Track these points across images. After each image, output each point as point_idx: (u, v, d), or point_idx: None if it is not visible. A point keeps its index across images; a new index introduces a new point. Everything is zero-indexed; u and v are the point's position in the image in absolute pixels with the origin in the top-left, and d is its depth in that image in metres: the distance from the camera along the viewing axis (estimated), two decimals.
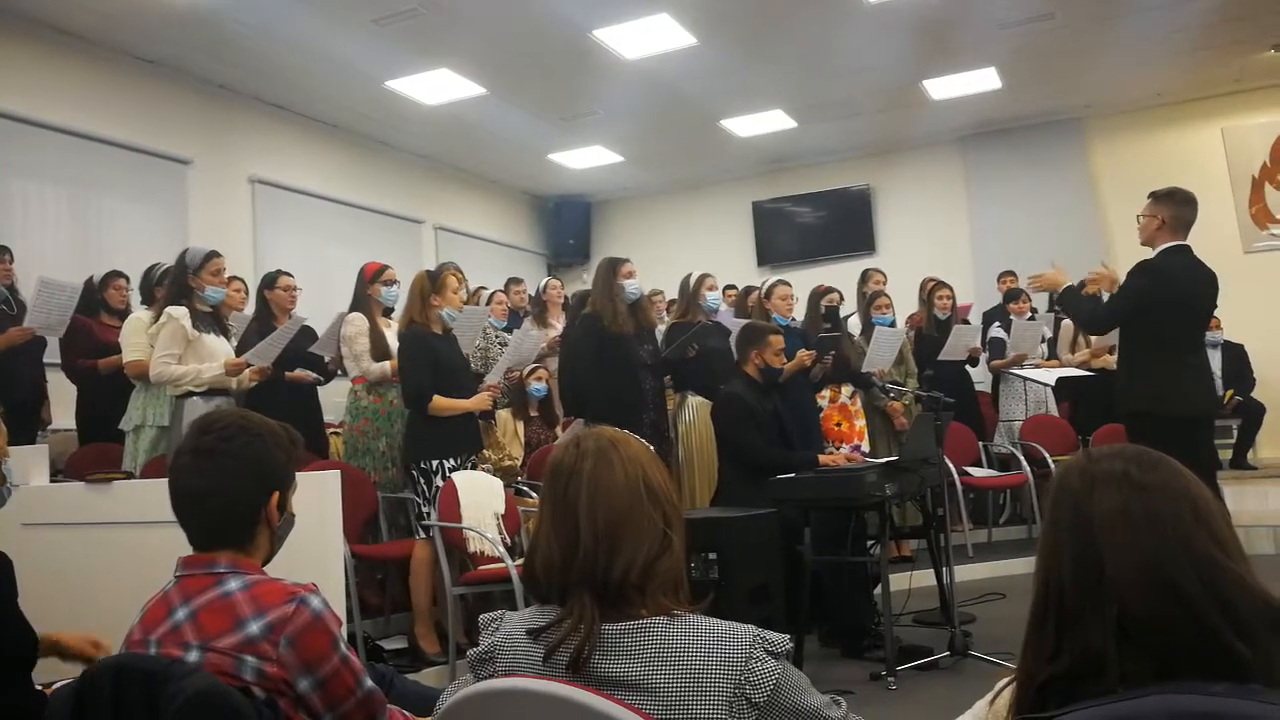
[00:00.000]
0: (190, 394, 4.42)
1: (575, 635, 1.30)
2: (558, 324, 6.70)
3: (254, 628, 1.55)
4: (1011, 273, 8.26)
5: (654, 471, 1.43)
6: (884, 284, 6.75)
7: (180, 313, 4.42)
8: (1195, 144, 9.42)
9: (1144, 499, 1.08)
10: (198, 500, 1.67)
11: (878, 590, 4.12)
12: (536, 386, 6.08)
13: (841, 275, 7.66)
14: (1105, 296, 4.46)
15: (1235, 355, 8.17)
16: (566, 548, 1.36)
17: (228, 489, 1.67)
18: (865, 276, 6.84)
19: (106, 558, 3.36)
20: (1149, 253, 4.19)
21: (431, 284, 4.60)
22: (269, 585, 1.62)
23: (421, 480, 4.48)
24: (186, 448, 1.70)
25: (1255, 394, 8.02)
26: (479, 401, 4.69)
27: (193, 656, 1.54)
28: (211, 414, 1.79)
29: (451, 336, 4.77)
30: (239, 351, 4.68)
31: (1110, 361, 6.32)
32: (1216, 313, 7.48)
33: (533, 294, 7.33)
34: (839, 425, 5.93)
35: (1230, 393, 7.62)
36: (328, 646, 1.58)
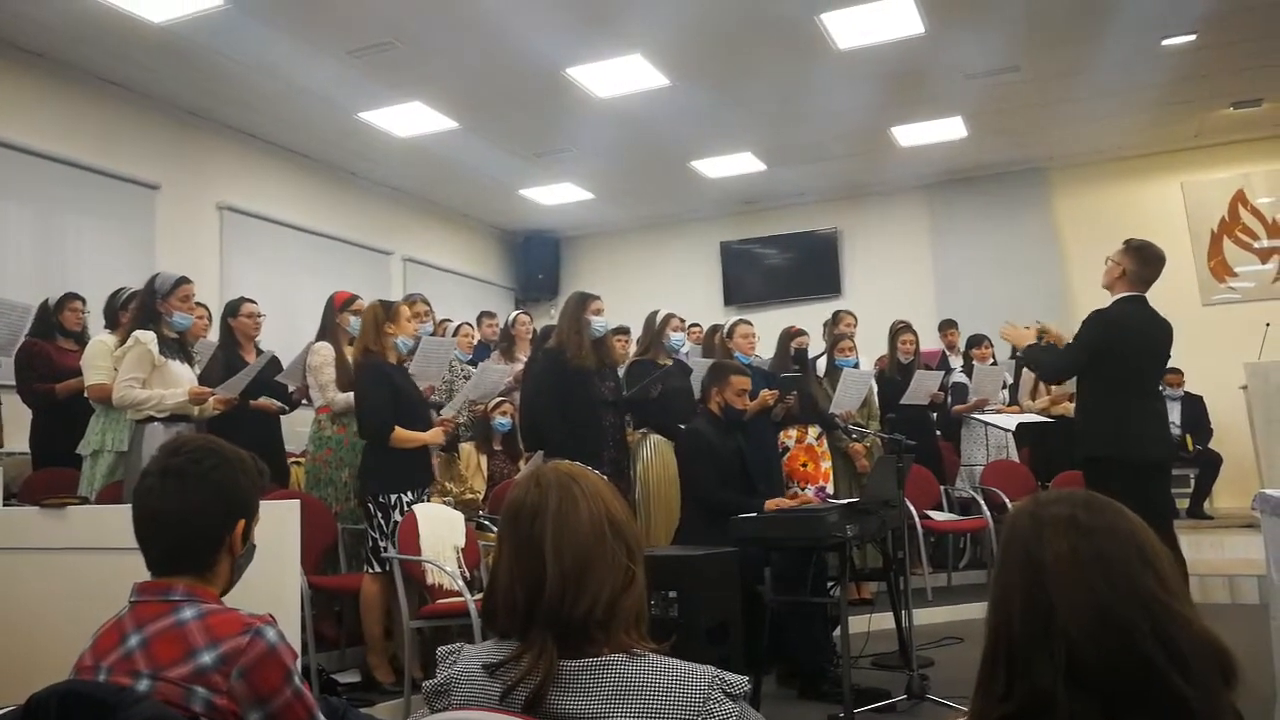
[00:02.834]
0: (151, 419, 4.36)
1: (534, 674, 1.29)
2: (525, 358, 6.67)
3: (206, 658, 1.53)
4: (953, 323, 8.28)
5: (616, 505, 1.43)
6: (854, 326, 6.80)
7: (148, 337, 4.37)
8: (1156, 197, 9.63)
9: (1092, 542, 1.10)
10: (162, 522, 1.65)
11: (837, 632, 4.12)
12: (501, 421, 6.05)
13: (808, 317, 7.66)
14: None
15: (1193, 406, 8.33)
16: (531, 587, 1.34)
17: (194, 511, 1.65)
18: (836, 318, 6.88)
19: (60, 584, 3.28)
20: (1107, 299, 4.28)
21: (385, 312, 4.58)
22: (224, 615, 1.60)
23: (379, 514, 4.40)
24: (154, 469, 1.68)
25: (1212, 444, 8.17)
26: (434, 435, 4.65)
27: (143, 685, 1.51)
28: (181, 437, 1.77)
29: (404, 367, 4.74)
30: (201, 379, 4.64)
31: (1069, 409, 6.40)
32: (1178, 366, 7.66)
33: (501, 327, 7.31)
34: (805, 466, 5.93)
35: (1189, 437, 7.74)
36: (280, 680, 1.56)
